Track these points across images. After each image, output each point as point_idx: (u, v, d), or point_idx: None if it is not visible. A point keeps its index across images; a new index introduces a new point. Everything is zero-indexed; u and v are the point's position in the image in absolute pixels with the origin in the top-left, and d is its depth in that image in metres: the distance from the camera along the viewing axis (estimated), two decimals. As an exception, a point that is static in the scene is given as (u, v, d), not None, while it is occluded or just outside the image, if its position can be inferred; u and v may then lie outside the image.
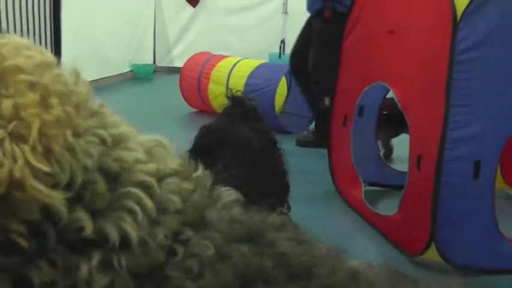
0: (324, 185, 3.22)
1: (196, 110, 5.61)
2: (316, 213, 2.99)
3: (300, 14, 9.05)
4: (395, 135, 3.81)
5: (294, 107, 5.31)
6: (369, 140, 3.26)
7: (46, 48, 5.16)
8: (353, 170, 2.96)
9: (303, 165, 4.02)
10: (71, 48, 6.04)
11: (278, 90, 4.78)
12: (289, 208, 2.09)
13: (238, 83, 4.90)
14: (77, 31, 6.08)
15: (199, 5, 8.56)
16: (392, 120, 3.37)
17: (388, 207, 2.76)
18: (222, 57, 5.51)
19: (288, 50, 8.66)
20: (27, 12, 5.50)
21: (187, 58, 5.81)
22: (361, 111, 2.99)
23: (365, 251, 2.53)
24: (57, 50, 5.94)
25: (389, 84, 2.63)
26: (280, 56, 8.27)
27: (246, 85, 4.90)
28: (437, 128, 2.16)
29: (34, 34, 5.64)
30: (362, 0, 2.88)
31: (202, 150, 1.86)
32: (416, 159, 2.31)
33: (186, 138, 2.06)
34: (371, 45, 2.81)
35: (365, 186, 3.00)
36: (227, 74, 5.10)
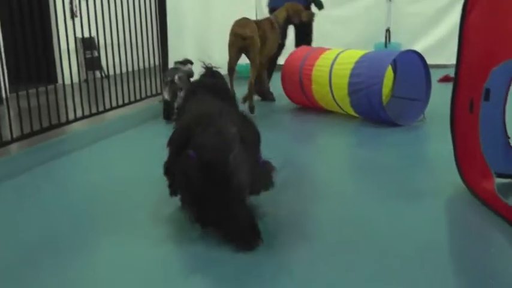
0: (447, 176, 2.95)
1: (299, 106, 5.52)
2: (442, 207, 2.73)
3: (404, 2, 8.66)
4: None
5: (402, 90, 5.01)
6: (496, 127, 2.94)
7: (153, 42, 5.24)
8: (482, 160, 2.66)
9: (424, 154, 3.75)
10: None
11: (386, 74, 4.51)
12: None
13: (341, 83, 4.69)
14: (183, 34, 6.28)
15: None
16: None
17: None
18: (320, 52, 5.24)
19: (394, 38, 8.30)
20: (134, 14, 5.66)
21: (289, 54, 5.65)
22: (486, 94, 2.69)
23: (502, 252, 2.24)
24: (164, 49, 6.09)
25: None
26: (386, 46, 7.94)
27: (350, 84, 4.63)
28: None
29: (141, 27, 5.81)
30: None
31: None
32: None
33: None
34: (498, 18, 2.50)
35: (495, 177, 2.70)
36: (328, 73, 4.88)
